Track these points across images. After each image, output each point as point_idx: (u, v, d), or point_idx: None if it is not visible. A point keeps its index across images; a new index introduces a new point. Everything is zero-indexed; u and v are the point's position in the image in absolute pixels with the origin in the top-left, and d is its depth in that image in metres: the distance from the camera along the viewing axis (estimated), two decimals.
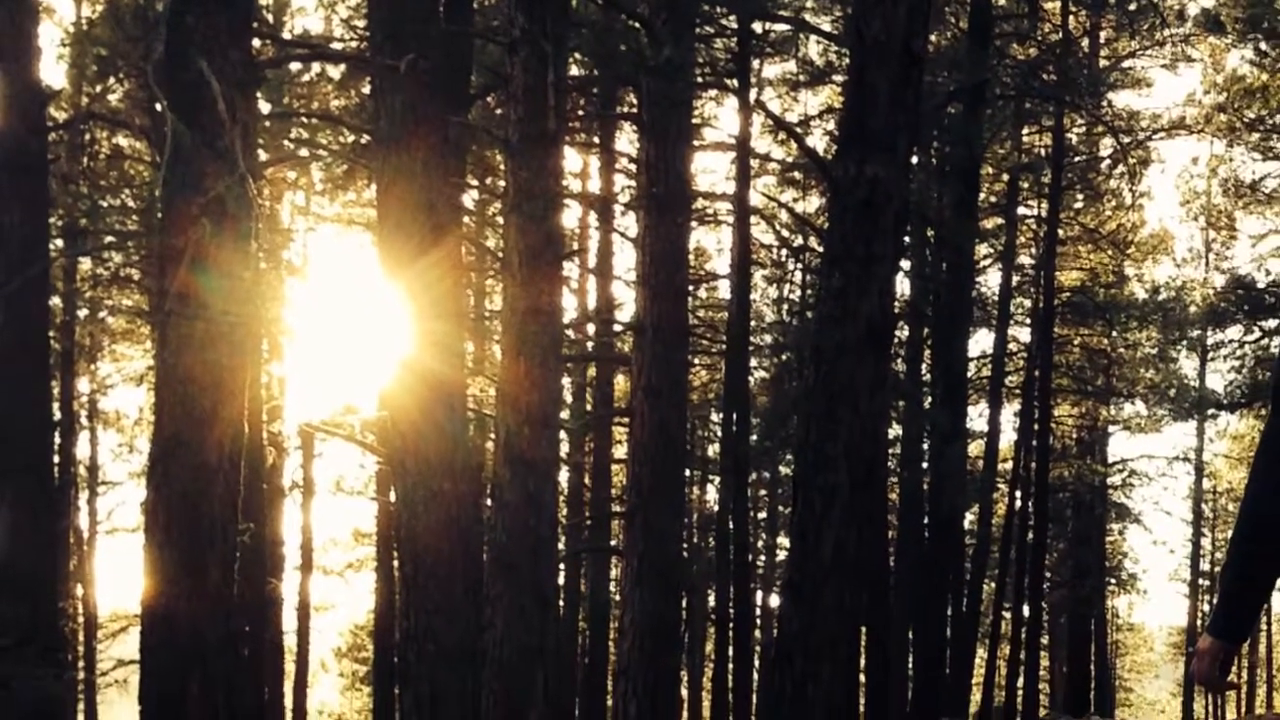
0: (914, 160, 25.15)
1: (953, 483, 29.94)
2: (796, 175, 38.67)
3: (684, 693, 40.24)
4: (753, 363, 38.62)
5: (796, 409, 28.04)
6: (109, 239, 34.38)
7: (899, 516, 35.28)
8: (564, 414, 33.44)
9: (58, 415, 30.06)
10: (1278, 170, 43.05)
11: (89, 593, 40.13)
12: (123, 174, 33.70)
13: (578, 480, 40.06)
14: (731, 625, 39.19)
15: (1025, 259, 42.34)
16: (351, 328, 37.91)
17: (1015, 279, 42.20)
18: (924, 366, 33.68)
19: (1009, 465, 42.49)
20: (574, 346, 36.71)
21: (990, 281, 41.01)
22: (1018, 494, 42.21)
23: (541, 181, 22.62)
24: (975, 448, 39.34)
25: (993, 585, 43.02)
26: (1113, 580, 56.02)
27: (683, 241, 32.24)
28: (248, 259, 16.68)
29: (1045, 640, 53.13)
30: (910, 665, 32.90)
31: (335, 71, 28.59)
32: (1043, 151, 40.09)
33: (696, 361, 40.27)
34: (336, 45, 28.71)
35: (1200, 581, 57.23)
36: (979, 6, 30.13)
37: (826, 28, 33.81)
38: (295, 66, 27.66)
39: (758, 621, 41.40)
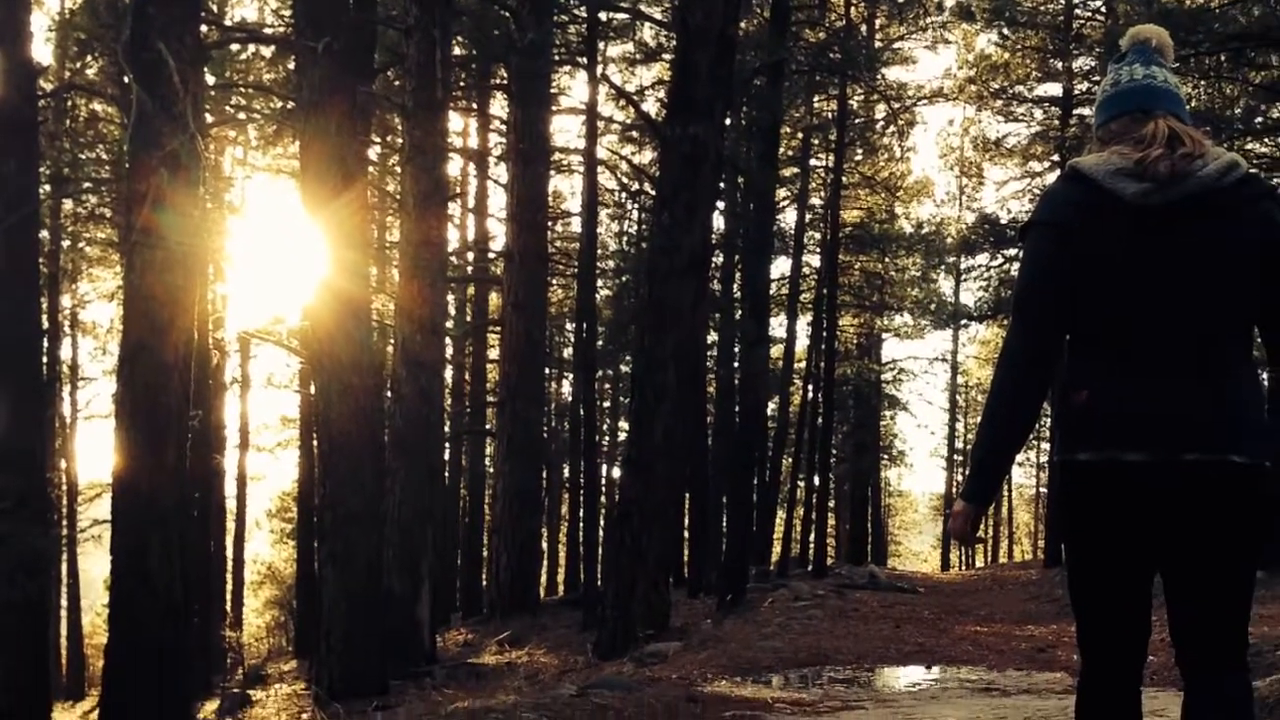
0: (727, 122, 25.30)
1: (758, 379, 30.17)
2: (634, 134, 39.01)
3: (544, 546, 40.47)
4: (599, 283, 38.87)
5: (634, 321, 28.26)
6: (86, 185, 34.96)
7: (715, 406, 35.56)
8: (449, 324, 33.54)
9: (46, 325, 30.08)
10: (1017, 130, 43.42)
11: (71, 466, 40.37)
12: (98, 133, 33.77)
13: (460, 377, 40.15)
14: (582, 492, 39.55)
15: (816, 200, 42.46)
16: (280, 255, 37.66)
17: (808, 216, 42.36)
18: (735, 286, 33.86)
19: (803, 365, 42.76)
20: (457, 270, 36.87)
21: (788, 218, 41.14)
22: (810, 388, 42.56)
23: (431, 139, 22.87)
24: (776, 351, 39.63)
25: (790, 460, 43.28)
26: (885, 456, 56.70)
27: (543, 187, 32.44)
28: (197, 200, 16.78)
29: (832, 504, 53.45)
30: (724, 524, 33.14)
31: (267, 51, 28.44)
32: (830, 115, 40.18)
33: (554, 282, 40.44)
34: (268, 30, 28.55)
35: (955, 457, 57.62)
36: None
37: (659, 16, 34.09)
38: (235, 47, 27.50)
39: (603, 489, 41.66)
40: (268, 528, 51.78)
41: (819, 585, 28.28)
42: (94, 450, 42.43)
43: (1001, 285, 41.22)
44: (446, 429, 33.79)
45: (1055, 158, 39.60)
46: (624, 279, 39.95)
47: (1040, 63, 39.99)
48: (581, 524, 39.89)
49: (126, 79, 15.78)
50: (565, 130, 43.26)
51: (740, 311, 31.64)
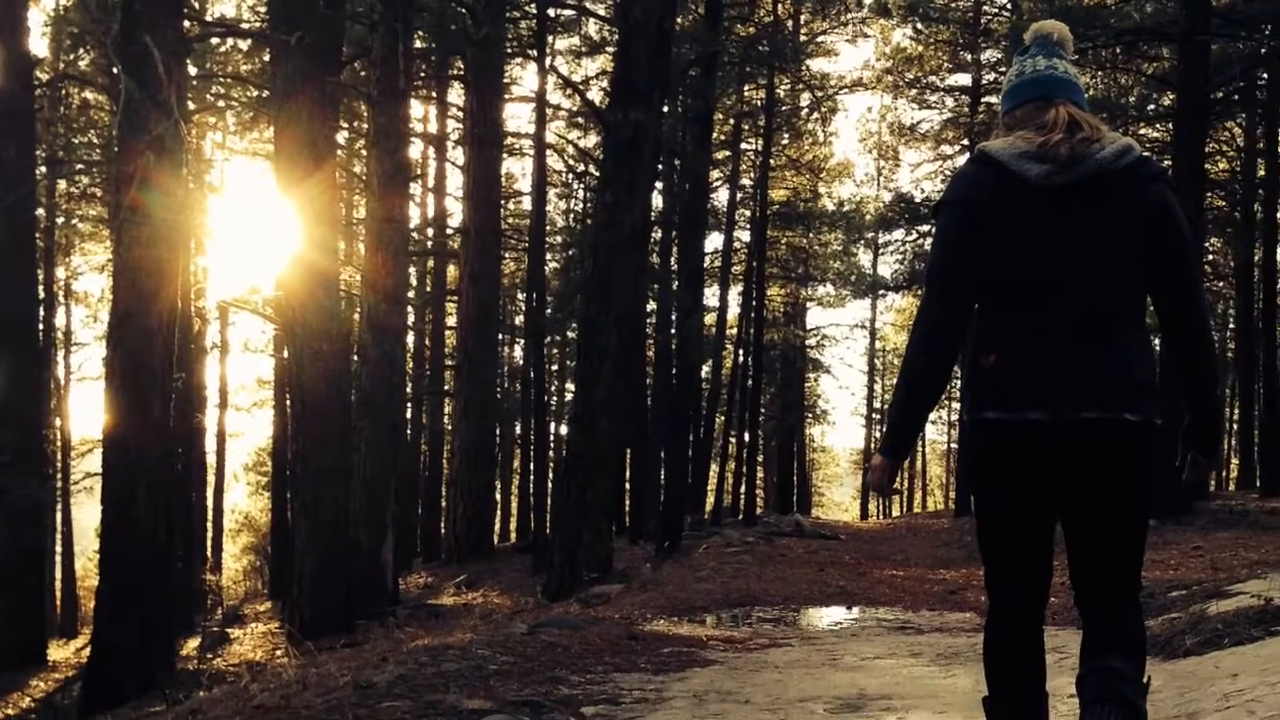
0: (665, 109, 25.44)
1: (693, 344, 30.27)
2: (580, 120, 39.09)
3: (498, 497, 40.60)
4: (548, 257, 39.01)
5: (580, 291, 28.31)
6: (79, 166, 35.11)
7: (654, 369, 35.61)
8: (411, 294, 33.56)
9: (42, 295, 29.97)
10: (929, 117, 43.56)
11: (65, 424, 40.24)
12: (89, 119, 33.68)
13: (420, 343, 40.10)
14: (532, 448, 39.52)
15: (746, 181, 42.52)
16: (255, 231, 37.78)
17: (739, 195, 42.43)
18: (672, 259, 33.94)
19: (734, 331, 42.80)
20: (418, 245, 36.83)
21: (720, 197, 41.19)
22: (740, 352, 42.75)
23: (394, 125, 22.94)
24: (710, 319, 39.68)
25: (722, 418, 43.41)
26: (809, 415, 56.86)
27: (497, 169, 32.55)
28: (180, 181, 16.89)
29: (760, 459, 53.69)
30: (662, 477, 33.23)
31: (244, 45, 28.36)
32: (759, 102, 40.26)
33: (507, 256, 40.48)
34: (245, 25, 28.46)
35: (873, 415, 57.43)
36: None
37: (602, 12, 34.15)
38: (214, 40, 27.45)
39: (551, 445, 41.73)
40: (245, 480, 51.69)
41: (749, 533, 28.29)
42: (86, 409, 42.39)
43: (916, 259, 41.38)
44: (408, 390, 33.98)
45: (965, 142, 39.80)
46: (570, 252, 39.99)
47: (951, 55, 40.24)
48: (532, 477, 39.89)
49: (116, 70, 15.75)
50: (517, 117, 43.20)
51: (677, 282, 31.75)
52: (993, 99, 35.03)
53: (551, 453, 40.95)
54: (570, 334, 39.27)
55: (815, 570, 19.70)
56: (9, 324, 19.68)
